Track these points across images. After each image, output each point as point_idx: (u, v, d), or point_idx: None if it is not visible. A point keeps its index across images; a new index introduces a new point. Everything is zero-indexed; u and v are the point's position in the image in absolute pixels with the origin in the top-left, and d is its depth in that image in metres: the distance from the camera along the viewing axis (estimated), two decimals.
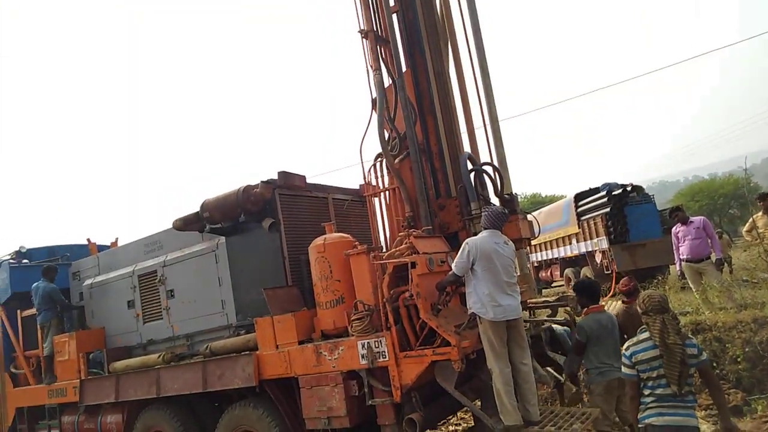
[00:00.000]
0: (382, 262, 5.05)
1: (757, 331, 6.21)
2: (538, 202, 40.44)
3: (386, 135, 5.94)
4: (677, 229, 8.31)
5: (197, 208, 6.31)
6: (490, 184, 5.98)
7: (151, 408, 6.61)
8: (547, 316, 6.37)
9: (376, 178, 6.15)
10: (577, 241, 17.82)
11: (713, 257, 8.00)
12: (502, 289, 4.59)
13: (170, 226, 6.77)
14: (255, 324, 5.72)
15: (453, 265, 4.74)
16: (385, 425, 5.01)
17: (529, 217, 6.00)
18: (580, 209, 17.63)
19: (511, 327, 4.64)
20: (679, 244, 8.21)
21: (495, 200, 5.96)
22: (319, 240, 5.55)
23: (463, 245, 4.72)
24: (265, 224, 6.00)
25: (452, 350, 4.54)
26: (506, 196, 5.96)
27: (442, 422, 7.42)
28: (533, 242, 22.95)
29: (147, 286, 7.32)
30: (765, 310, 6.57)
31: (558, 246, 19.51)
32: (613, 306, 6.00)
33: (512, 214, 5.70)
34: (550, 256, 20.38)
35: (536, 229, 6.05)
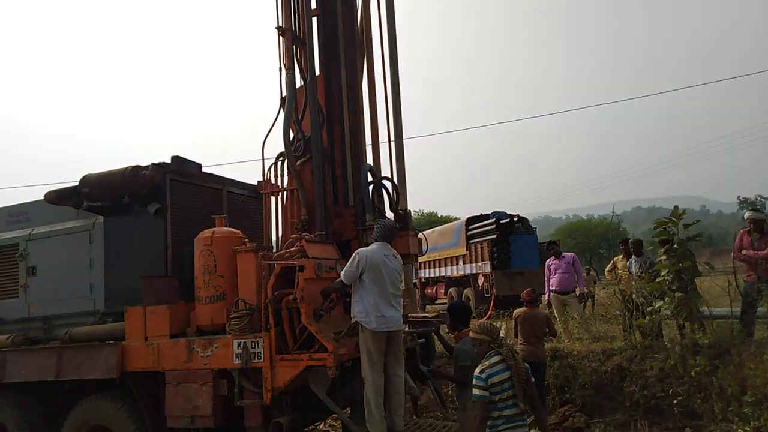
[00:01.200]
0: (270, 262, 4.99)
1: (604, 361, 6.90)
2: (433, 221, 41.82)
3: (291, 135, 5.90)
4: (550, 261, 9.03)
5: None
6: (388, 198, 6.15)
7: None
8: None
9: (276, 177, 6.08)
10: (464, 263, 18.68)
11: (577, 291, 8.78)
12: (388, 301, 4.71)
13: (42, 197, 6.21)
14: (125, 313, 5.38)
15: (342, 274, 4.79)
16: (251, 427, 4.92)
17: (419, 235, 6.23)
18: (470, 233, 18.52)
19: (390, 338, 4.77)
20: (550, 276, 8.92)
21: (390, 215, 6.13)
22: (206, 232, 5.36)
23: (353, 255, 4.79)
24: (151, 209, 5.70)
25: (329, 357, 4.57)
26: (401, 212, 6.16)
27: (311, 428, 7.40)
28: (423, 259, 23.77)
29: (4, 259, 6.63)
30: (614, 344, 7.31)
31: (446, 265, 20.32)
32: (516, 311, 6.83)
33: (404, 230, 5.89)
34: (438, 274, 21.17)
35: (424, 247, 6.29)
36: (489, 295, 16.45)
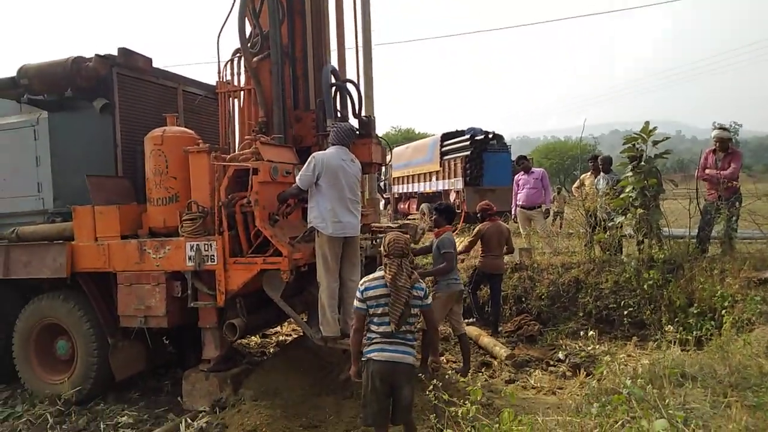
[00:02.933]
0: (223, 164, 4.78)
1: (562, 274, 7.04)
2: (411, 137, 41.33)
3: (248, 31, 5.48)
4: (519, 176, 8.97)
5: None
6: (350, 103, 5.87)
7: None
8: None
9: (232, 75, 5.71)
10: (437, 179, 18.65)
11: (543, 207, 8.81)
12: (345, 206, 4.59)
13: None
14: (73, 212, 5.18)
15: (297, 178, 4.62)
16: (206, 328, 4.95)
17: (382, 143, 6.01)
18: (444, 149, 18.32)
19: (347, 244, 4.70)
20: (518, 191, 8.89)
21: (353, 121, 5.87)
22: (157, 131, 5.09)
23: (309, 159, 4.60)
24: (97, 105, 5.36)
25: (283, 260, 4.51)
26: (364, 117, 5.90)
27: (273, 331, 7.54)
28: (397, 174, 23.64)
29: None
30: (573, 258, 7.44)
31: (420, 181, 20.28)
32: (481, 225, 6.77)
33: (366, 137, 5.68)
34: (411, 190, 21.17)
35: (388, 156, 6.11)
36: (460, 211, 16.57)
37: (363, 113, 5.99)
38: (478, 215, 6.93)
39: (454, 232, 13.84)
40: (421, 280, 3.66)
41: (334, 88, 5.71)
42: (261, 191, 4.64)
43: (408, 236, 3.79)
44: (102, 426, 4.74)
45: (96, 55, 5.33)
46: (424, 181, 19.81)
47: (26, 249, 5.33)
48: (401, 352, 3.45)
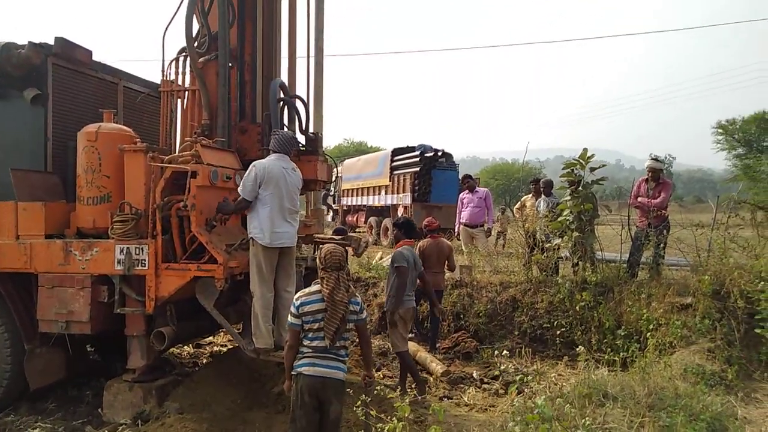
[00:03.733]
0: (160, 165, 4.61)
1: (500, 292, 7.17)
2: (363, 150, 41.53)
3: (196, 30, 5.35)
4: (464, 195, 9.13)
5: None
6: (298, 119, 5.82)
7: None
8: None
9: (177, 75, 5.55)
10: (386, 193, 18.75)
11: (486, 226, 8.99)
12: (283, 216, 4.51)
13: None
14: None
15: (240, 190, 4.50)
16: (132, 336, 4.73)
17: (329, 161, 5.97)
18: (394, 163, 18.48)
19: (283, 254, 4.62)
20: (462, 209, 9.05)
21: (300, 137, 5.81)
22: (91, 127, 4.86)
23: (250, 167, 4.50)
24: (28, 95, 5.07)
25: (218, 268, 4.39)
26: (311, 134, 5.85)
27: (207, 342, 7.30)
28: (346, 186, 23.60)
29: None
30: (511, 277, 7.60)
31: (369, 194, 20.33)
32: (422, 242, 6.78)
33: (313, 154, 5.64)
34: (360, 203, 21.18)
35: (333, 174, 6.07)
36: (433, 228, 16.68)
37: (311, 130, 5.94)
38: (423, 231, 7.00)
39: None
40: (357, 295, 3.61)
41: (281, 103, 5.65)
42: (199, 195, 4.51)
43: (345, 248, 3.76)
44: None
45: (29, 42, 5.06)
46: (373, 195, 19.88)
47: None
48: (332, 367, 3.40)
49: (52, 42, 5.22)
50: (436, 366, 6.03)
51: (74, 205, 4.93)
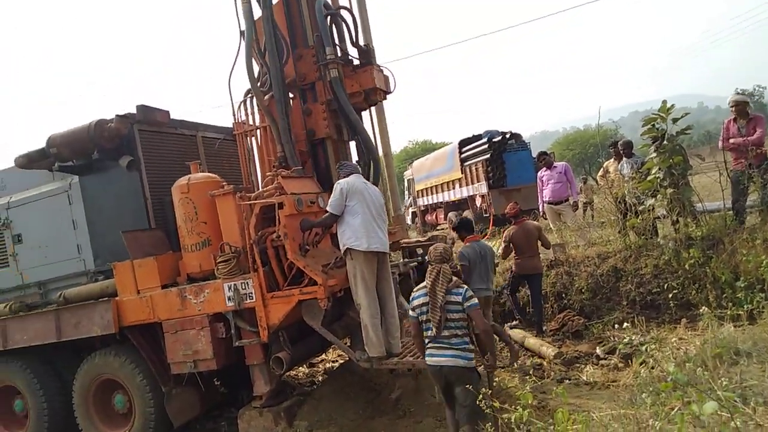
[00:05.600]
0: (248, 202, 4.90)
1: (599, 265, 6.92)
2: (428, 149, 41.39)
3: (256, 70, 5.64)
4: (542, 173, 8.91)
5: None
6: (347, 32, 5.82)
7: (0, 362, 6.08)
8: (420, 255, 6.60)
9: (247, 115, 5.86)
10: (460, 186, 18.61)
11: (571, 200, 8.71)
12: (375, 223, 4.69)
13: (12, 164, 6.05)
14: (113, 269, 5.37)
15: (329, 207, 4.71)
16: (253, 365, 5.03)
17: (385, 71, 5.93)
18: (463, 155, 18.30)
19: (380, 261, 4.75)
20: (543, 187, 8.83)
21: (351, 50, 5.86)
22: (182, 180, 5.26)
23: (335, 186, 4.74)
24: (123, 162, 5.56)
25: (319, 289, 4.58)
26: (362, 46, 5.89)
27: (319, 359, 7.60)
28: (420, 187, 23.63)
29: None
30: (608, 247, 7.32)
31: (443, 191, 20.26)
32: (508, 230, 6.82)
33: (367, 65, 5.71)
34: (436, 200, 21.15)
35: (392, 84, 5.99)
36: (488, 215, 16.46)
37: (360, 42, 5.95)
38: (509, 219, 6.94)
39: (485, 236, 13.81)
40: (462, 285, 3.84)
41: (329, 18, 5.63)
42: (288, 224, 4.74)
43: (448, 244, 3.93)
44: None
45: (116, 115, 5.55)
46: (448, 190, 19.78)
47: (74, 310, 5.52)
48: (447, 356, 3.70)
49: (134, 111, 5.71)
50: (547, 349, 5.93)
51: (180, 254, 5.34)
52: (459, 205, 19.30)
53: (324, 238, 5.13)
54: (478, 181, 17.24)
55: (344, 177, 4.81)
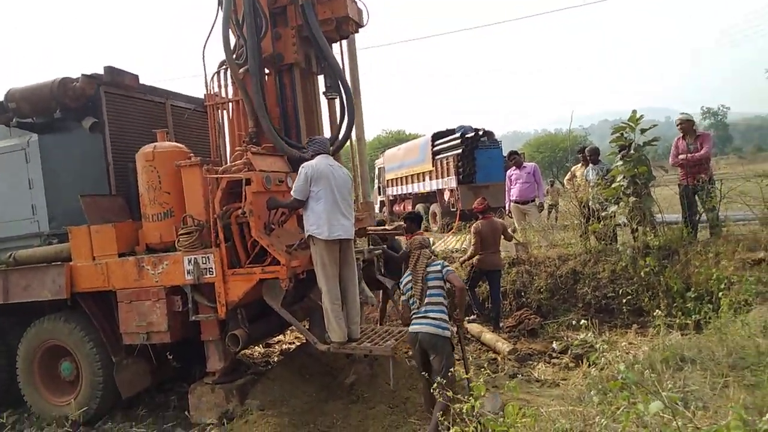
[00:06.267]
0: (215, 176, 4.80)
1: (559, 266, 7.09)
2: (402, 139, 41.43)
3: (233, 41, 5.50)
4: (512, 171, 9.02)
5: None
6: None
7: None
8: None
9: (220, 87, 5.73)
10: (431, 179, 18.69)
11: (537, 201, 8.86)
12: (338, 209, 4.62)
13: None
14: (69, 233, 5.19)
15: (293, 192, 4.64)
16: (209, 341, 4.97)
17: (359, 3, 5.82)
18: (435, 148, 18.36)
19: (343, 247, 4.72)
20: (511, 186, 8.94)
21: None
22: (147, 148, 5.11)
23: (299, 170, 4.64)
24: (86, 124, 5.37)
25: (281, 269, 4.54)
26: None
27: (275, 340, 7.55)
28: (390, 176, 23.64)
29: None
30: (569, 249, 7.49)
31: (413, 182, 20.31)
32: (475, 224, 6.96)
33: None
34: (406, 191, 21.19)
35: (365, 17, 5.89)
36: (455, 209, 16.59)
37: None
38: (476, 214, 7.04)
39: (450, 231, 13.91)
40: (438, 259, 4.52)
41: None
42: (255, 201, 4.66)
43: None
44: None
45: (82, 74, 5.35)
46: (418, 182, 19.84)
47: (25, 272, 5.33)
48: (423, 324, 4.16)
49: (101, 71, 5.50)
50: (503, 345, 6.05)
51: (141, 223, 5.20)
52: (427, 197, 19.39)
53: (290, 218, 5.08)
54: (448, 176, 17.34)
55: (312, 154, 4.74)
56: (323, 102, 6.11)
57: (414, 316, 4.26)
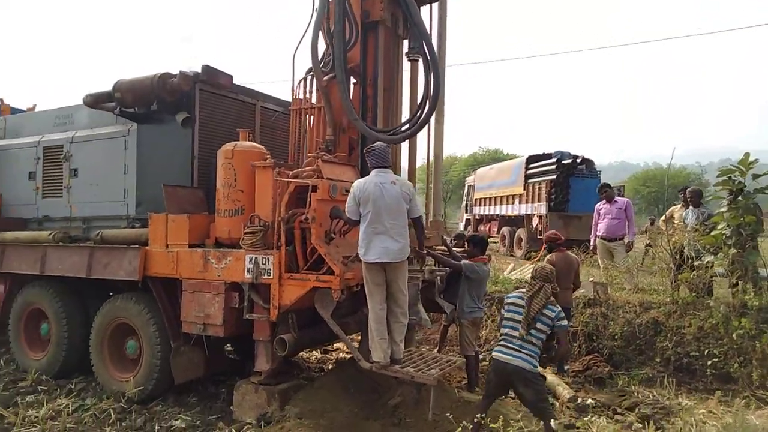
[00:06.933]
0: (284, 180, 4.87)
1: (640, 314, 6.46)
2: (498, 158, 40.60)
3: (322, 49, 5.58)
4: (601, 205, 8.45)
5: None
6: None
7: (35, 284, 6.42)
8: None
9: (305, 93, 5.85)
10: (520, 202, 18.09)
11: (626, 239, 8.22)
12: (383, 232, 4.41)
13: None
14: (149, 219, 5.50)
15: (346, 211, 4.58)
16: (259, 340, 5.02)
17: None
18: (529, 171, 17.76)
19: (391, 270, 4.51)
20: (599, 221, 8.37)
21: None
22: (228, 146, 5.29)
23: (351, 188, 4.55)
24: (179, 118, 5.68)
25: (334, 279, 4.50)
26: None
27: (334, 348, 7.55)
28: (479, 196, 23.21)
29: (51, 159, 6.91)
30: (654, 296, 6.83)
31: (502, 203, 19.78)
32: (551, 255, 6.62)
33: None
34: (493, 212, 20.68)
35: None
36: (541, 237, 15.91)
37: None
38: (545, 246, 6.66)
39: (531, 260, 13.31)
40: (557, 305, 4.29)
41: None
42: (318, 208, 4.68)
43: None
44: (156, 427, 4.94)
45: (180, 71, 5.66)
46: (507, 204, 19.30)
47: (107, 251, 5.72)
48: (517, 357, 4.08)
49: (199, 69, 5.80)
50: (563, 390, 5.61)
51: (214, 217, 5.40)
52: (515, 221, 18.80)
53: (352, 229, 5.03)
54: (538, 201, 16.70)
55: (371, 168, 4.64)
56: (405, 79, 6.05)
57: (504, 343, 4.19)
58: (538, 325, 4.13)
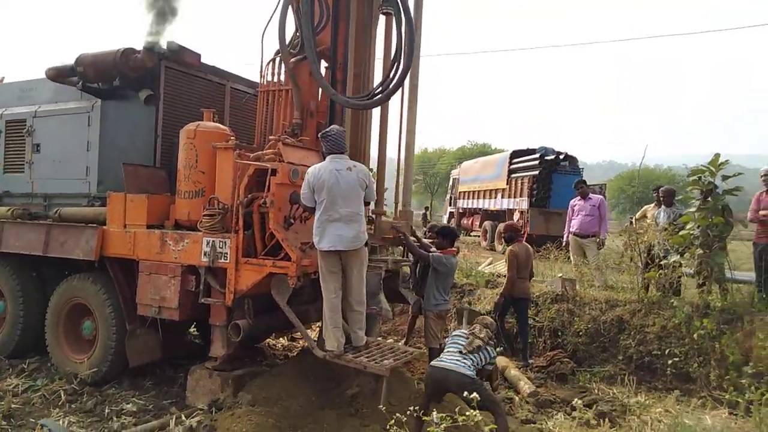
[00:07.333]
0: (244, 162, 4.75)
1: (605, 311, 6.46)
2: (485, 153, 40.58)
3: (291, 30, 5.44)
4: (575, 201, 8.43)
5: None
6: None
7: None
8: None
9: (273, 75, 5.71)
10: (503, 197, 18.09)
11: (599, 236, 8.20)
12: (338, 219, 4.33)
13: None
14: (107, 198, 5.36)
15: (301, 197, 4.49)
16: (215, 325, 4.93)
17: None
18: (513, 166, 17.76)
19: (347, 257, 4.45)
20: (573, 217, 8.35)
21: None
22: (191, 125, 5.15)
23: (305, 175, 4.44)
24: (142, 95, 5.52)
25: (291, 266, 4.41)
26: None
27: (300, 336, 7.45)
28: (462, 189, 23.15)
29: (13, 134, 6.71)
30: (621, 294, 6.82)
31: (485, 198, 19.77)
32: (512, 248, 6.56)
33: None
34: (475, 206, 20.67)
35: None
36: (523, 232, 15.92)
37: None
38: (504, 236, 6.76)
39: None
40: (494, 351, 4.50)
41: None
42: (278, 193, 4.57)
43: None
44: (107, 410, 4.83)
45: (145, 47, 5.50)
46: (490, 198, 19.29)
47: (64, 229, 5.57)
48: (454, 363, 4.14)
49: (165, 46, 5.64)
50: (524, 385, 5.58)
51: (174, 198, 5.27)
52: (497, 215, 18.79)
53: (312, 215, 4.93)
54: (520, 196, 16.70)
55: (324, 153, 4.52)
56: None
57: (445, 356, 4.27)
58: (474, 356, 4.23)
